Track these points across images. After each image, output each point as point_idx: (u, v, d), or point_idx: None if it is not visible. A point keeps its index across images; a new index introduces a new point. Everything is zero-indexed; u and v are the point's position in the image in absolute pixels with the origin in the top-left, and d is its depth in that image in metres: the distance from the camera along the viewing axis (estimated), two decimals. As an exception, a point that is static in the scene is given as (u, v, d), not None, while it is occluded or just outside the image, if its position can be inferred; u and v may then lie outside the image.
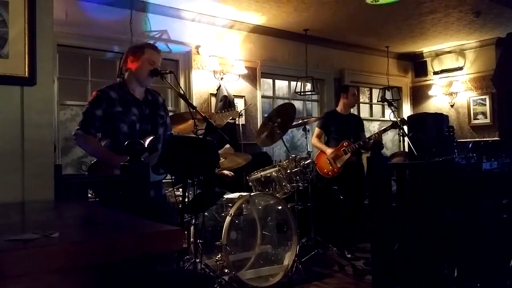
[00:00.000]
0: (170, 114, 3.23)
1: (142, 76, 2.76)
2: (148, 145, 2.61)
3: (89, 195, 2.75)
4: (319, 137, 4.99)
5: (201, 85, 5.51)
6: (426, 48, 7.58)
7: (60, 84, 4.63)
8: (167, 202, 3.00)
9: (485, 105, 7.19)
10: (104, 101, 2.67)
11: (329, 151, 4.74)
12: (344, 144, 4.71)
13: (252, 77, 5.98)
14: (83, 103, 4.77)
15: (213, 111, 5.28)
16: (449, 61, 7.59)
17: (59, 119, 4.69)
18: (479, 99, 7.26)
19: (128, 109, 2.71)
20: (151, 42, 4.93)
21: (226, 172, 4.24)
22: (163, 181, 2.95)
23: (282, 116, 4.13)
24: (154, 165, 2.47)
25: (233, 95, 5.55)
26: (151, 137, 2.70)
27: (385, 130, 4.72)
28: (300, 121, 4.64)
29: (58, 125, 4.60)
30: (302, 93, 6.35)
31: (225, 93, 5.40)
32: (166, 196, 3.03)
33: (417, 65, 8.05)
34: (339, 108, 5.01)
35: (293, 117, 4.27)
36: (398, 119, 4.34)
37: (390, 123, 4.53)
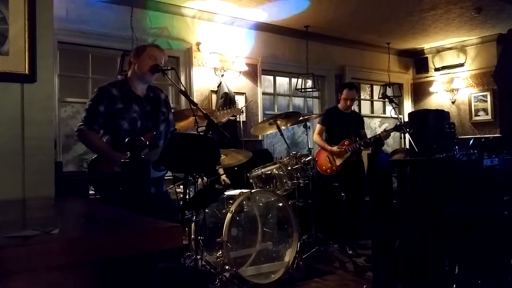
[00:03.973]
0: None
1: (143, 72, 2.76)
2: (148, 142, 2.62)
3: (91, 191, 2.76)
4: (320, 133, 4.96)
5: (202, 82, 5.51)
6: (427, 44, 7.57)
7: (60, 81, 4.63)
8: (168, 199, 3.00)
9: (486, 101, 7.18)
10: (106, 98, 2.68)
11: (335, 149, 4.72)
12: (345, 143, 4.70)
13: (252, 74, 5.97)
14: (84, 100, 4.78)
15: (213, 108, 5.27)
16: (450, 58, 7.57)
17: (60, 116, 4.69)
18: (480, 95, 7.25)
19: (129, 106, 2.71)
20: (152, 39, 4.94)
21: (225, 179, 4.30)
22: (165, 178, 2.95)
23: (285, 117, 4.21)
24: (155, 161, 2.47)
25: (234, 92, 5.55)
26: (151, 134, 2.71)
27: (387, 131, 4.67)
28: (301, 118, 4.63)
29: (59, 122, 4.60)
30: (303, 90, 6.34)
31: (226, 90, 5.40)
32: (168, 193, 3.02)
33: (418, 61, 8.04)
34: (340, 105, 4.99)
35: (295, 119, 4.33)
36: (400, 116, 4.32)
37: (391, 120, 4.52)
